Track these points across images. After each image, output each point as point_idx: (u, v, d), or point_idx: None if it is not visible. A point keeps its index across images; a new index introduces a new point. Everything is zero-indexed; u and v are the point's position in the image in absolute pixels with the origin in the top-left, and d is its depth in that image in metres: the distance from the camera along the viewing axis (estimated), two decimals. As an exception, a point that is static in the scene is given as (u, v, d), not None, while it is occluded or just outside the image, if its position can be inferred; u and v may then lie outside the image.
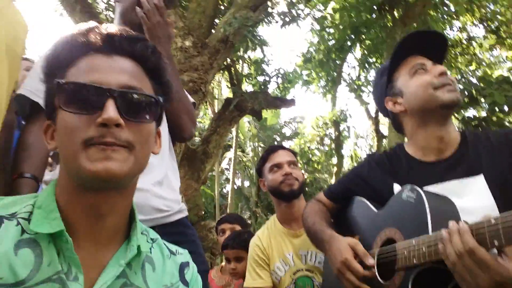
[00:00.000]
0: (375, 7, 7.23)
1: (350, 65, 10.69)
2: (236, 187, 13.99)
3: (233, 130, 11.43)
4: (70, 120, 0.64)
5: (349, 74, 10.36)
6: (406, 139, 1.39)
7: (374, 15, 7.51)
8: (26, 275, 0.60)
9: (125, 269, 0.69)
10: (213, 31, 4.64)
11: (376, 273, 1.16)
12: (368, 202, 1.39)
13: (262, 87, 6.69)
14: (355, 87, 10.18)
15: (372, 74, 10.00)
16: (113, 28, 0.71)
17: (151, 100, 0.70)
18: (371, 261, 1.17)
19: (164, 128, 1.39)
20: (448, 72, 1.25)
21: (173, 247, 0.85)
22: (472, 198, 1.11)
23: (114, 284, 0.67)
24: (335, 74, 9.65)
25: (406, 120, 1.32)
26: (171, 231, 1.20)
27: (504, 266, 0.82)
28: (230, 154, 13.53)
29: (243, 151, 14.54)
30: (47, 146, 0.72)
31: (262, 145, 13.88)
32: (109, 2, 6.14)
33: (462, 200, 1.10)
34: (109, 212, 0.68)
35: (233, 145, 11.99)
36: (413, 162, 1.29)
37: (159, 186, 1.24)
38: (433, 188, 1.17)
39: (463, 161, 1.19)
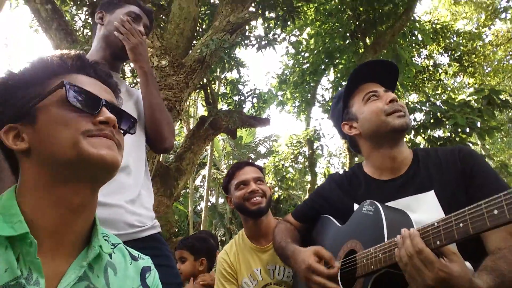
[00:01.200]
0: (348, 34, 7.58)
1: (324, 87, 11.02)
2: (210, 204, 13.88)
3: (208, 147, 11.45)
4: (68, 115, 0.69)
5: (322, 96, 10.69)
6: None
7: (347, 42, 7.86)
8: None
9: (87, 272, 0.70)
10: (190, 52, 4.76)
11: (340, 283, 1.23)
12: (333, 219, 1.48)
13: (237, 106, 6.82)
14: (328, 108, 10.48)
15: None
16: (94, 60, 0.83)
17: (132, 119, 0.84)
18: (336, 263, 1.25)
19: (142, 148, 1.46)
20: (398, 99, 1.35)
21: (135, 252, 0.87)
22: (424, 212, 1.20)
23: (77, 287, 0.67)
24: (309, 95, 9.93)
25: (362, 142, 1.43)
26: (145, 246, 1.22)
27: (445, 264, 0.93)
28: (204, 171, 13.48)
29: (217, 169, 14.53)
30: (12, 147, 0.70)
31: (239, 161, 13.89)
32: (87, 21, 6.17)
33: (416, 214, 1.19)
34: (81, 209, 0.71)
35: (208, 163, 11.98)
36: (370, 181, 1.39)
37: (132, 204, 1.28)
38: (389, 205, 1.27)
39: (415, 178, 1.28)
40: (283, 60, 9.59)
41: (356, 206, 1.38)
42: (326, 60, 8.33)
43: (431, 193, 1.23)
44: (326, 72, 9.11)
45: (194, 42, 5.21)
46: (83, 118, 0.70)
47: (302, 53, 8.82)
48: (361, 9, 7.07)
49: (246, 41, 6.30)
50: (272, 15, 6.57)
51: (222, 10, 4.94)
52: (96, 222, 0.77)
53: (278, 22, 6.30)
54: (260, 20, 6.61)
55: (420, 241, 0.96)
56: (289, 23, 6.28)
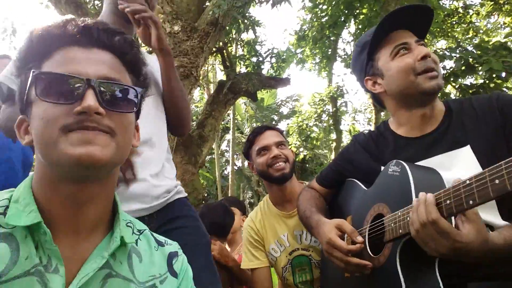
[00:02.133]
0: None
1: (345, 41, 10.54)
2: (236, 168, 14.06)
3: (230, 112, 11.39)
4: (47, 109, 0.63)
5: (344, 50, 10.25)
6: None
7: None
8: (1, 269, 0.59)
9: (109, 260, 0.68)
10: (202, 15, 4.57)
11: (368, 248, 1.19)
12: (359, 182, 1.41)
13: (256, 68, 6.63)
14: (350, 62, 10.12)
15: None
16: (91, 21, 0.70)
17: (130, 91, 0.70)
18: (359, 238, 1.20)
19: (163, 120, 1.43)
20: (431, 52, 1.20)
21: (162, 238, 0.84)
22: (460, 169, 1.11)
23: (96, 275, 0.66)
24: (329, 51, 9.54)
25: (387, 100, 1.31)
26: (172, 211, 1.26)
27: (461, 233, 0.89)
28: (229, 136, 13.54)
29: (241, 133, 14.57)
30: (21, 141, 0.70)
31: (260, 125, 13.89)
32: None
33: (451, 171, 1.11)
34: (88, 202, 0.67)
35: (231, 127, 12.00)
36: (398, 139, 1.28)
37: (156, 178, 1.27)
38: (420, 164, 1.18)
39: (449, 133, 1.18)
40: (300, 16, 9.19)
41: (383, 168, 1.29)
42: (346, 11, 7.88)
43: (467, 148, 1.13)
44: (347, 24, 8.64)
45: (206, 4, 4.99)
46: (62, 110, 0.62)
47: (320, 6, 8.36)
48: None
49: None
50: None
51: (232, -35, 4.65)
52: (118, 208, 0.75)
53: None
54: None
55: (434, 211, 0.91)
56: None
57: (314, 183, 1.62)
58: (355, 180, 1.43)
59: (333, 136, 13.22)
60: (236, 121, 13.02)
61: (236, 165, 14.35)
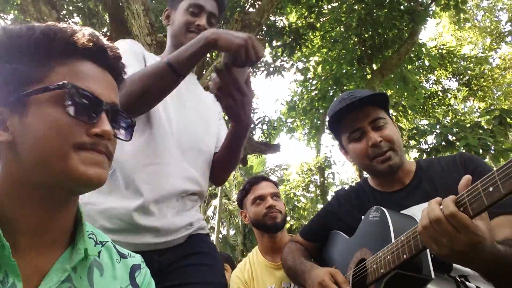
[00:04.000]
0: (354, 60, 7.69)
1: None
2: (221, 236, 13.67)
3: (219, 176, 11.38)
4: (61, 120, 0.61)
5: (332, 122, 10.69)
6: None
7: (354, 67, 7.96)
8: None
9: (70, 274, 0.65)
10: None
11: None
12: (341, 233, 1.45)
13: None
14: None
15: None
16: (107, 43, 0.71)
17: (131, 123, 0.75)
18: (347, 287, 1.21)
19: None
20: (385, 130, 1.28)
21: (124, 251, 0.82)
22: None
23: None
24: (318, 122, 9.97)
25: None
26: (189, 246, 1.23)
27: (479, 227, 0.86)
28: (215, 201, 13.39)
29: (228, 199, 14.43)
30: None
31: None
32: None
33: None
34: (62, 208, 0.66)
35: (219, 193, 11.93)
36: (376, 193, 1.39)
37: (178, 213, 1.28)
38: None
39: (420, 187, 1.28)
40: (291, 87, 9.73)
41: None
42: (334, 87, 8.42)
43: None
44: (335, 98, 9.16)
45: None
46: (78, 127, 0.62)
47: (310, 80, 8.94)
48: (366, 35, 7.20)
49: (254, 69, 6.42)
50: (279, 43, 6.73)
51: (231, 38, 5.06)
52: (81, 219, 0.71)
53: (286, 50, 6.44)
54: (268, 49, 6.77)
55: (452, 205, 0.87)
56: (296, 50, 6.41)
57: (298, 237, 1.65)
58: (339, 232, 1.47)
59: (320, 206, 13.19)
60: (223, 187, 12.98)
61: (222, 233, 13.97)
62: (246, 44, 1.01)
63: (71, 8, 5.67)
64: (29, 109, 0.61)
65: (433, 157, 1.38)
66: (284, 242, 1.92)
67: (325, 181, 12.22)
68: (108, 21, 6.03)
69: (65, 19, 5.49)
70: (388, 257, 1.05)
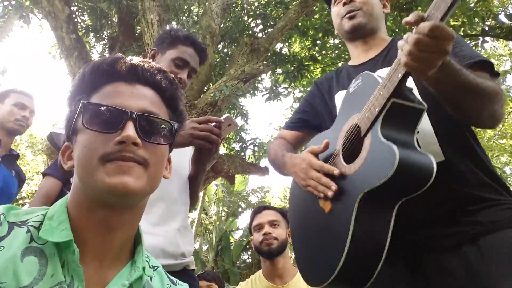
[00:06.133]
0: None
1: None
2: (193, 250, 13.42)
3: (201, 192, 11.32)
4: (90, 138, 0.67)
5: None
6: None
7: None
8: (29, 282, 0.60)
9: None
10: (202, 95, 4.90)
11: (341, 157, 1.14)
12: (323, 131, 1.38)
13: (238, 152, 6.87)
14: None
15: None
16: (137, 59, 0.77)
17: (166, 125, 0.75)
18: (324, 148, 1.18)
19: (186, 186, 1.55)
20: None
21: (173, 278, 0.86)
22: None
23: None
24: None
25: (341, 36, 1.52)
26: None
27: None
28: (193, 215, 13.21)
29: (206, 214, 14.25)
30: (63, 166, 0.75)
31: (226, 209, 13.71)
32: (103, 53, 6.38)
33: None
34: (118, 227, 0.70)
35: (198, 207, 11.79)
36: (351, 69, 1.43)
37: (179, 233, 1.39)
38: None
39: (388, 56, 1.32)
40: (286, 114, 9.83)
41: (339, 92, 1.38)
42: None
43: None
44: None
45: (209, 86, 5.38)
46: (104, 139, 0.67)
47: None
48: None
49: (255, 91, 6.51)
50: (280, 70, 6.87)
51: (238, 60, 5.17)
52: (141, 239, 0.77)
53: (288, 78, 6.57)
54: (268, 73, 6.88)
55: (427, 23, 0.87)
56: (297, 79, 6.55)
57: (282, 131, 1.60)
58: (319, 133, 1.41)
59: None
60: (203, 202, 12.84)
61: (194, 247, 13.73)
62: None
63: (83, 6, 5.67)
64: (76, 137, 0.71)
65: None
66: (286, 268, 2.13)
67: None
68: (116, 23, 6.04)
69: (75, 15, 5.48)
70: (379, 94, 1.02)
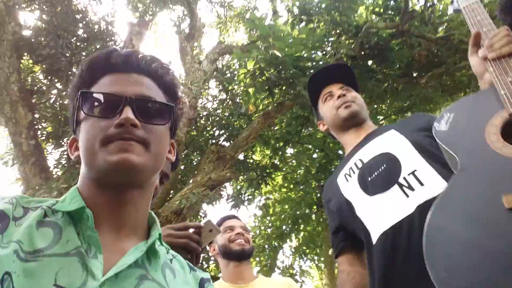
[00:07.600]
0: (313, 203, 7.94)
1: (285, 253, 10.85)
2: None
3: None
4: (91, 124, 0.70)
5: (282, 262, 10.39)
6: None
7: (313, 210, 8.16)
8: (45, 245, 0.61)
9: (145, 263, 0.69)
10: (166, 203, 4.72)
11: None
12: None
13: (200, 263, 6.43)
14: (288, 274, 10.09)
15: (307, 264, 10.15)
16: (131, 50, 0.81)
17: (164, 107, 0.77)
18: None
19: None
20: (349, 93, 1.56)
21: (194, 267, 0.87)
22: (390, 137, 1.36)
23: (132, 272, 0.66)
24: (269, 261, 9.64)
25: (333, 133, 1.65)
26: None
27: None
28: None
29: None
30: (71, 157, 0.78)
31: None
32: (59, 161, 6.17)
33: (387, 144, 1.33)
34: (129, 203, 0.71)
35: None
36: (346, 157, 1.50)
37: None
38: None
39: (375, 133, 1.45)
40: (249, 221, 9.63)
41: (340, 176, 1.42)
42: (290, 226, 8.44)
43: (392, 131, 1.38)
44: (289, 238, 9.10)
45: (171, 193, 5.22)
46: (104, 124, 0.70)
47: (268, 217, 8.96)
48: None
49: (218, 199, 6.42)
50: (242, 178, 6.94)
51: (205, 167, 5.18)
52: (155, 219, 0.78)
53: (251, 186, 6.61)
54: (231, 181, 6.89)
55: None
56: (261, 186, 6.59)
57: (339, 262, 1.40)
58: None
59: None
60: None
61: None
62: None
63: (45, 114, 5.63)
64: (80, 128, 0.74)
65: None
66: (249, 273, 2.04)
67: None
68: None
69: (36, 122, 5.38)
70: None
